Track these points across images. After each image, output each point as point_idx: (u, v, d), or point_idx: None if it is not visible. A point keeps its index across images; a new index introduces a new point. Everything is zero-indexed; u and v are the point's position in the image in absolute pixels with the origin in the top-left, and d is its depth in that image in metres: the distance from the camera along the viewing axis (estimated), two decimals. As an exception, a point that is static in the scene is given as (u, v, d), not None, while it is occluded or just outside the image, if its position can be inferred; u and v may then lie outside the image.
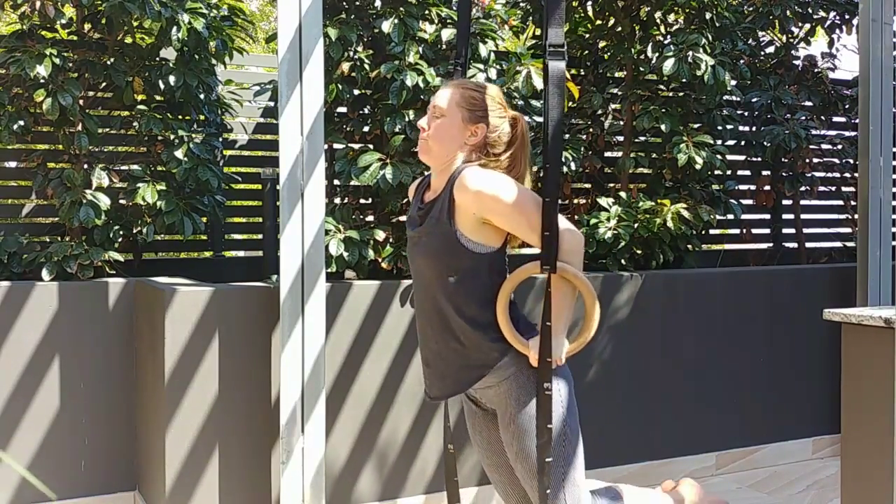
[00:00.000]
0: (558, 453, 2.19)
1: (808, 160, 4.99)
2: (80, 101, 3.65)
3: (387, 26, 3.65)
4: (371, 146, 3.81)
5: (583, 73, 4.71)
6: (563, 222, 2.18)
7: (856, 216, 4.64)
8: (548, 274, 2.12)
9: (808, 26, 5.18)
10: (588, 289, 2.17)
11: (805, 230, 5.26)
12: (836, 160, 5.13)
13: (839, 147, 5.07)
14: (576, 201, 4.64)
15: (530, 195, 2.18)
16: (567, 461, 2.20)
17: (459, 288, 2.19)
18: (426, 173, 2.49)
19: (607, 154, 4.67)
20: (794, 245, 5.24)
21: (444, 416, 2.54)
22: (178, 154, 3.66)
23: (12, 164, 3.97)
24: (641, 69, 4.51)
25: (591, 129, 4.57)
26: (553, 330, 2.14)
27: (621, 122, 4.51)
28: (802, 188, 5.06)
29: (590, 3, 4.68)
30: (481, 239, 2.18)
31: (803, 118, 4.88)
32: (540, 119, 4.61)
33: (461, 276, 2.18)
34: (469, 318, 2.19)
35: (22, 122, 3.56)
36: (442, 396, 2.32)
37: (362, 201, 3.98)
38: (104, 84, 3.80)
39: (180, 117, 3.84)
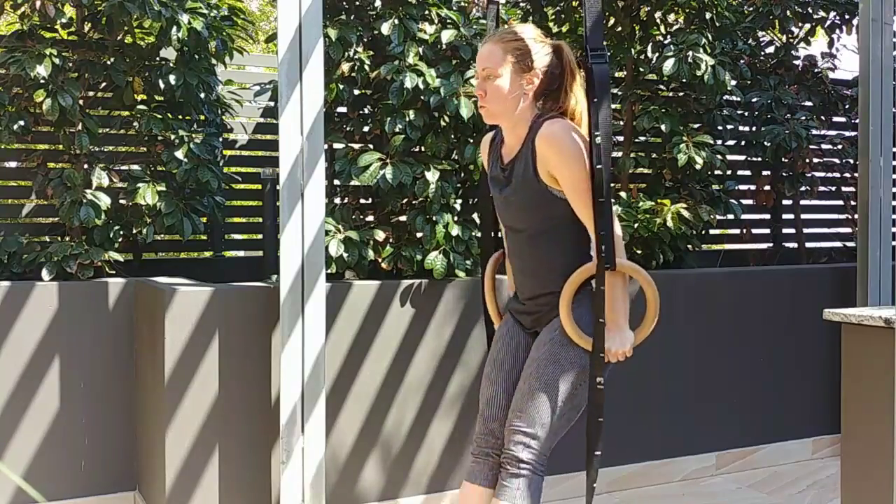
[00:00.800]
0: (565, 408, 2.26)
1: (808, 160, 4.99)
2: (80, 101, 3.65)
3: (386, 28, 3.65)
4: (371, 146, 3.81)
5: (583, 74, 4.70)
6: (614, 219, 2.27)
7: (856, 216, 4.64)
8: (599, 271, 2.16)
9: (808, 26, 5.18)
10: (648, 280, 2.23)
11: (805, 230, 5.26)
12: (836, 160, 5.13)
13: (839, 147, 5.07)
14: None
15: (587, 174, 2.20)
16: (573, 411, 2.28)
17: (556, 236, 2.26)
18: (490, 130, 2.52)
19: (607, 154, 4.67)
20: (794, 245, 5.24)
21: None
22: (179, 154, 3.66)
23: (12, 164, 3.97)
24: (641, 69, 4.51)
25: (591, 129, 4.56)
26: (617, 325, 2.23)
27: (621, 122, 4.51)
28: (802, 188, 5.06)
29: (590, 3, 4.67)
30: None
31: (803, 118, 4.88)
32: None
33: (557, 224, 2.26)
34: (563, 264, 2.27)
35: (22, 122, 3.56)
36: (537, 328, 2.39)
37: (362, 201, 3.98)
38: (104, 84, 3.80)
39: (180, 117, 3.84)
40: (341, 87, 3.68)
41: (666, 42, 4.43)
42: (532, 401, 2.25)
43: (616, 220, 2.25)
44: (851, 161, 5.05)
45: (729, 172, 4.71)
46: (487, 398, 2.44)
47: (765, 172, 5.10)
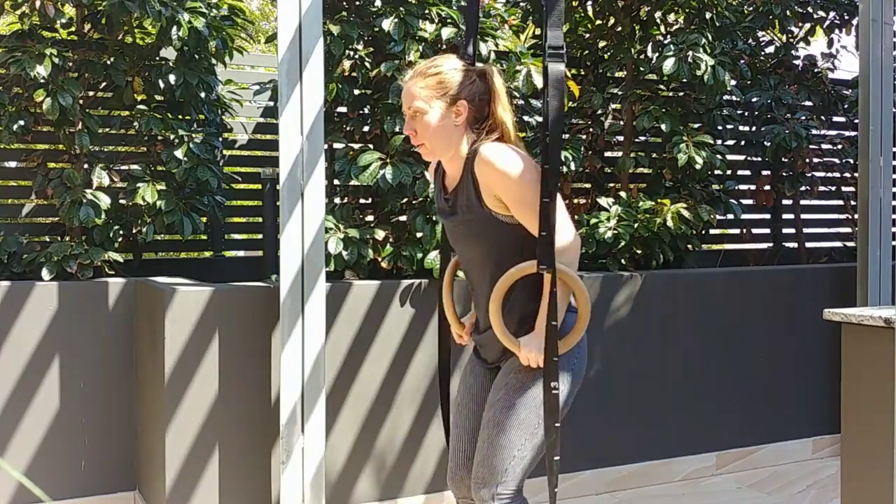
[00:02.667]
0: (526, 449, 2.21)
1: (808, 160, 4.99)
2: (80, 101, 3.64)
3: (387, 25, 3.65)
4: (371, 146, 3.81)
5: (583, 73, 4.71)
6: (563, 221, 2.17)
7: (856, 216, 4.64)
8: (551, 274, 2.12)
9: (807, 26, 5.18)
10: (581, 288, 2.17)
11: (805, 230, 5.26)
12: (836, 160, 5.13)
13: (839, 147, 5.07)
14: (576, 201, 4.64)
15: (534, 187, 2.14)
16: (537, 449, 2.22)
17: (506, 263, 2.20)
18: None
19: (607, 154, 4.67)
20: (794, 245, 5.24)
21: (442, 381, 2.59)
22: (178, 154, 3.66)
23: (12, 164, 3.97)
24: (641, 69, 4.51)
25: (591, 129, 4.57)
26: (542, 328, 2.15)
27: (621, 122, 4.51)
28: (802, 188, 5.05)
29: (590, 3, 4.68)
30: (504, 210, 2.20)
31: (803, 118, 4.88)
32: (541, 118, 4.61)
33: (506, 251, 2.21)
34: (516, 294, 2.22)
35: (22, 122, 3.56)
36: (495, 362, 2.36)
37: (362, 201, 3.98)
38: (104, 84, 3.80)
39: (180, 117, 3.84)
40: (341, 86, 3.68)
41: (666, 42, 4.43)
42: (493, 449, 2.21)
43: (570, 226, 2.19)
44: (851, 161, 5.05)
45: (729, 172, 4.71)
46: (454, 442, 2.42)
47: (765, 172, 5.10)
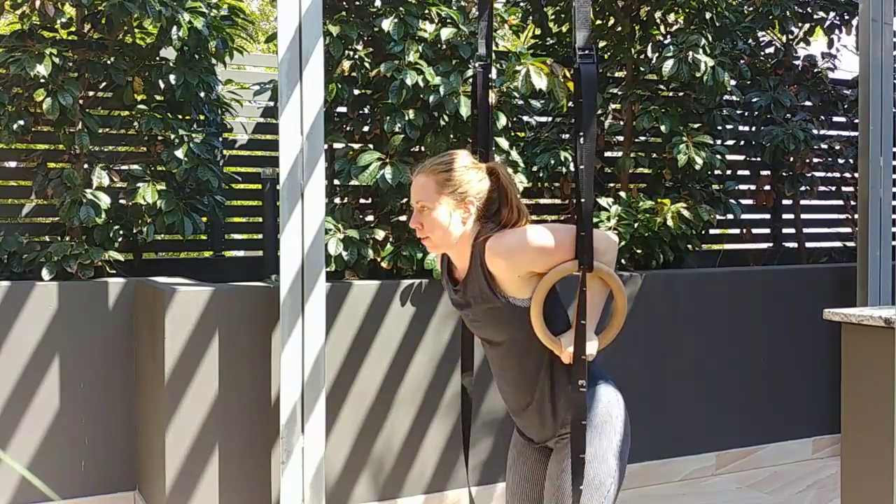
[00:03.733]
0: (600, 486, 2.17)
1: (807, 160, 4.99)
2: (81, 101, 3.64)
3: (387, 25, 3.65)
4: (371, 146, 3.81)
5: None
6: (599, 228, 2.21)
7: (856, 216, 4.64)
8: (583, 272, 2.14)
9: (807, 26, 5.18)
10: (620, 287, 2.21)
11: (805, 230, 5.26)
12: (836, 160, 5.13)
13: (839, 147, 5.07)
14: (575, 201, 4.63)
15: (548, 228, 2.18)
16: (607, 498, 2.19)
17: (533, 343, 2.19)
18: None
19: (607, 154, 4.67)
20: (794, 245, 5.24)
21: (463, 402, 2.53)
22: (179, 154, 3.66)
23: (12, 164, 3.97)
24: (641, 69, 4.51)
25: (591, 129, 4.56)
26: (588, 328, 2.16)
27: (621, 122, 4.51)
28: (802, 188, 5.06)
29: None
30: (531, 291, 2.19)
31: (803, 118, 4.88)
32: (540, 119, 4.61)
33: (531, 332, 2.18)
34: (545, 371, 2.21)
35: (22, 122, 3.56)
36: (543, 441, 2.32)
37: (362, 201, 3.98)
38: (104, 84, 3.80)
39: (180, 117, 3.84)
40: (341, 86, 3.68)
41: (666, 42, 4.43)
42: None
43: (603, 230, 2.22)
44: (851, 161, 5.05)
45: (729, 172, 4.71)
46: None
47: (764, 172, 5.11)
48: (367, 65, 3.75)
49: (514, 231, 2.20)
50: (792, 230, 5.26)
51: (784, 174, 5.07)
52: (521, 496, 2.39)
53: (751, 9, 4.99)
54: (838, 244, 5.37)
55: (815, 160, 5.06)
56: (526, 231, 2.18)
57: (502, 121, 3.81)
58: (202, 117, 4.01)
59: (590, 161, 2.12)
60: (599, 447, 2.17)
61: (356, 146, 3.79)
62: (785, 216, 5.31)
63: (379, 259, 3.67)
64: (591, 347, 2.18)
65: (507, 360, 2.28)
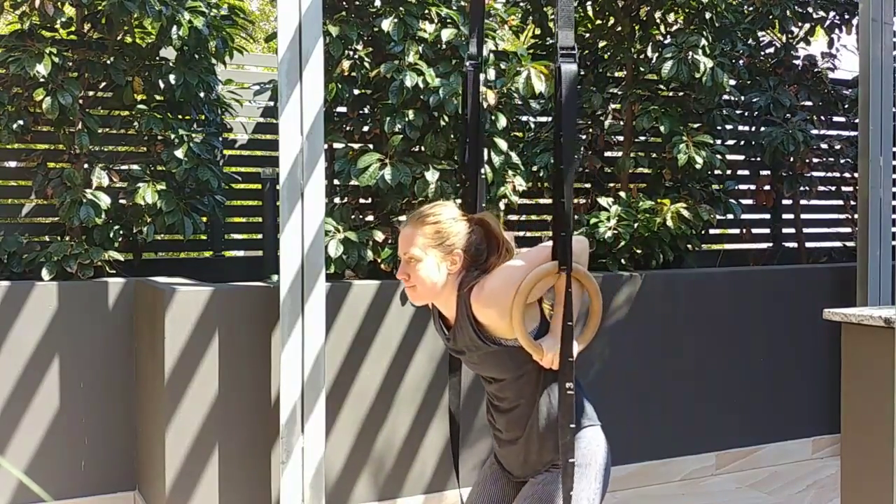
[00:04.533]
0: None
1: (807, 160, 4.99)
2: (80, 101, 3.64)
3: (387, 25, 3.65)
4: (371, 146, 3.81)
5: (583, 73, 4.71)
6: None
7: (856, 216, 4.64)
8: (567, 274, 2.13)
9: (807, 26, 5.18)
10: (596, 290, 2.19)
11: (805, 230, 5.26)
12: (836, 160, 5.13)
13: (838, 147, 5.07)
14: (576, 201, 4.64)
15: (519, 258, 2.18)
16: None
17: (533, 373, 2.19)
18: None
19: (607, 154, 4.67)
20: (794, 245, 5.24)
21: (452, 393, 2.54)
22: (178, 154, 3.66)
23: (12, 164, 3.97)
24: (641, 69, 4.51)
25: (591, 129, 4.57)
26: (558, 330, 2.14)
27: (621, 122, 4.51)
28: (802, 188, 5.06)
29: (590, 3, 4.68)
30: (524, 327, 2.18)
31: (803, 118, 4.88)
32: (541, 119, 4.61)
33: (528, 370, 2.19)
34: (550, 408, 2.20)
35: (22, 122, 3.56)
36: (520, 477, 2.31)
37: (362, 201, 3.98)
38: (104, 83, 3.80)
39: (180, 117, 3.84)
40: (341, 86, 3.68)
41: (666, 42, 4.43)
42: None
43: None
44: (851, 161, 5.05)
45: (729, 172, 4.71)
46: None
47: (764, 172, 5.10)
48: (366, 65, 3.75)
49: (492, 276, 2.17)
50: (792, 230, 5.26)
51: (784, 174, 5.06)
52: None
53: (751, 9, 4.98)
54: (838, 244, 5.37)
55: (815, 160, 5.06)
56: (503, 271, 2.16)
57: (502, 122, 3.81)
58: (202, 117, 4.01)
59: (569, 161, 2.10)
60: (577, 488, 2.15)
61: (356, 146, 3.78)
62: (785, 216, 5.31)
63: (379, 260, 3.66)
64: (574, 350, 2.15)
65: (504, 393, 2.27)
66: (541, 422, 2.21)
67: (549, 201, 4.68)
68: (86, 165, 3.67)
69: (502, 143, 3.83)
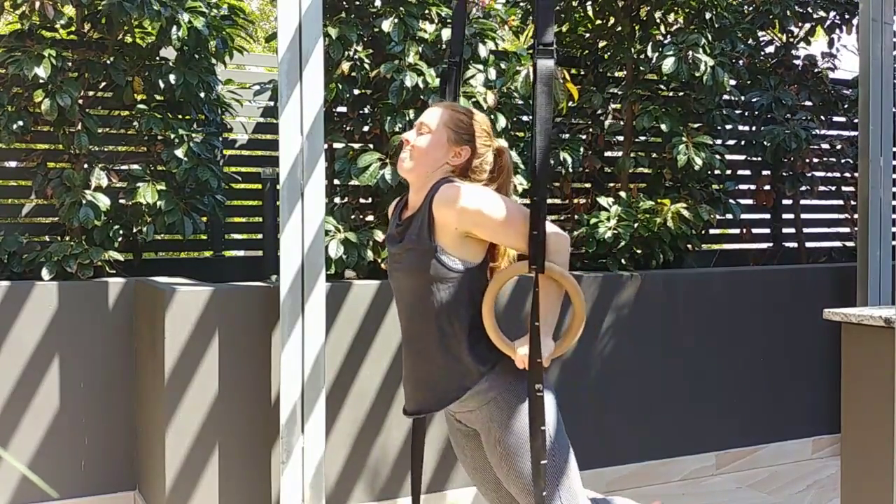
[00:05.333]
0: (550, 465, 2.16)
1: (808, 160, 4.99)
2: (80, 101, 3.64)
3: (387, 25, 3.65)
4: (371, 146, 3.81)
5: (583, 73, 4.71)
6: (549, 225, 2.17)
7: (856, 216, 4.64)
8: (535, 274, 2.11)
9: (808, 26, 5.18)
10: (575, 289, 2.15)
11: (805, 230, 5.26)
12: (836, 160, 5.13)
13: (839, 147, 5.07)
14: (576, 201, 4.64)
15: (514, 204, 2.18)
16: (560, 471, 2.18)
17: (441, 305, 2.16)
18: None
19: (607, 154, 4.67)
20: (794, 245, 5.24)
21: (413, 434, 2.47)
22: (179, 153, 3.66)
23: (12, 164, 3.97)
24: (641, 69, 4.51)
25: (591, 129, 4.57)
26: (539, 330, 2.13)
27: (621, 122, 4.51)
28: (802, 188, 5.06)
29: (590, 3, 4.68)
30: (463, 254, 2.16)
31: (803, 118, 4.88)
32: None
33: (442, 293, 2.16)
34: (450, 335, 2.17)
35: (21, 122, 3.56)
36: (417, 412, 2.29)
37: (362, 201, 3.98)
38: (104, 84, 3.80)
39: (180, 117, 3.84)
40: (341, 86, 3.68)
41: (666, 42, 4.43)
42: (523, 493, 2.18)
43: (555, 227, 2.16)
44: (851, 161, 5.05)
45: (729, 172, 4.71)
46: (487, 500, 2.41)
47: (765, 172, 5.11)
48: (366, 65, 3.75)
49: (472, 186, 2.18)
50: (792, 230, 5.26)
51: (784, 174, 5.07)
52: (481, 485, 2.39)
53: (751, 8, 4.99)
54: (838, 244, 5.37)
55: (815, 160, 5.06)
56: (484, 192, 2.16)
57: (502, 122, 3.81)
58: (202, 117, 4.01)
59: (544, 157, 2.10)
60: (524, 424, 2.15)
61: (356, 146, 3.79)
62: (785, 216, 5.31)
63: (379, 260, 3.67)
64: (546, 351, 2.13)
65: (413, 325, 2.24)
66: (441, 350, 2.17)
67: (550, 201, 4.67)
68: (86, 166, 3.67)
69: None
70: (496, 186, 2.28)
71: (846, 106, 5.23)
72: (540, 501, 2.12)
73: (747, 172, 5.13)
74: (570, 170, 4.21)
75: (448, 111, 2.26)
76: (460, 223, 2.12)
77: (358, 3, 3.89)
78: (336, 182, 3.87)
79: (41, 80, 3.46)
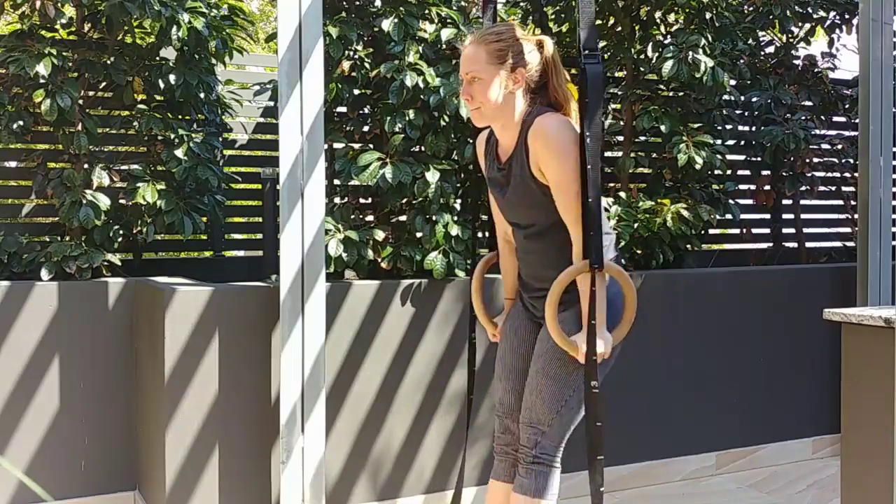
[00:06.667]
0: (573, 401, 2.31)
1: (807, 160, 4.99)
2: (80, 101, 3.64)
3: (387, 25, 3.65)
4: (371, 146, 3.81)
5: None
6: (604, 221, 2.29)
7: (856, 216, 4.64)
8: (592, 272, 2.14)
9: (808, 26, 5.18)
10: (630, 283, 2.25)
11: (805, 230, 5.26)
12: (836, 160, 5.13)
13: (839, 147, 5.07)
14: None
15: (578, 173, 2.19)
16: (578, 408, 2.32)
17: (558, 233, 2.25)
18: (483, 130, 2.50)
19: (607, 154, 4.67)
20: (794, 245, 5.24)
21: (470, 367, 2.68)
22: (178, 153, 3.66)
23: (12, 164, 3.97)
24: (641, 69, 4.51)
25: (591, 129, 4.56)
26: (598, 327, 2.21)
27: (621, 122, 4.51)
28: (802, 188, 5.05)
29: (590, 2, 4.67)
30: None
31: (803, 118, 4.88)
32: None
33: (559, 221, 2.24)
34: (566, 260, 2.25)
35: (21, 122, 3.56)
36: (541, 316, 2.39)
37: (362, 201, 3.98)
38: (104, 84, 3.80)
39: (180, 117, 3.84)
40: (341, 86, 3.68)
41: (666, 42, 4.43)
42: (540, 396, 2.29)
43: (608, 222, 2.27)
44: (851, 161, 5.05)
45: (729, 172, 4.71)
46: (500, 397, 2.50)
47: (764, 172, 5.10)
48: (367, 65, 3.75)
49: (570, 130, 2.20)
50: (792, 230, 5.26)
51: (784, 174, 5.07)
52: (508, 365, 2.48)
53: (751, 9, 4.98)
54: (838, 244, 5.37)
55: (815, 160, 5.06)
56: (573, 140, 2.17)
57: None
58: (202, 117, 4.01)
59: (595, 160, 2.12)
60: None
61: (356, 146, 3.79)
62: (785, 216, 5.30)
63: (379, 259, 3.67)
64: (601, 346, 2.22)
65: (531, 243, 2.34)
66: (565, 265, 2.23)
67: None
68: (86, 166, 3.67)
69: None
70: (554, 80, 2.31)
71: (846, 106, 5.23)
72: (596, 494, 2.20)
73: (747, 172, 5.13)
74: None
75: (484, 46, 2.25)
76: (541, 157, 2.18)
77: (358, 3, 3.89)
78: (336, 182, 3.87)
79: (42, 80, 3.46)
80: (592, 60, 2.13)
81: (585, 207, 2.14)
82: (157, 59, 3.86)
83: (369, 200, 3.96)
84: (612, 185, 4.59)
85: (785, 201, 5.24)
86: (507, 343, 2.50)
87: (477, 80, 2.23)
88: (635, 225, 4.07)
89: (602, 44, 4.68)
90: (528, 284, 2.44)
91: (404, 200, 3.75)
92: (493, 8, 2.58)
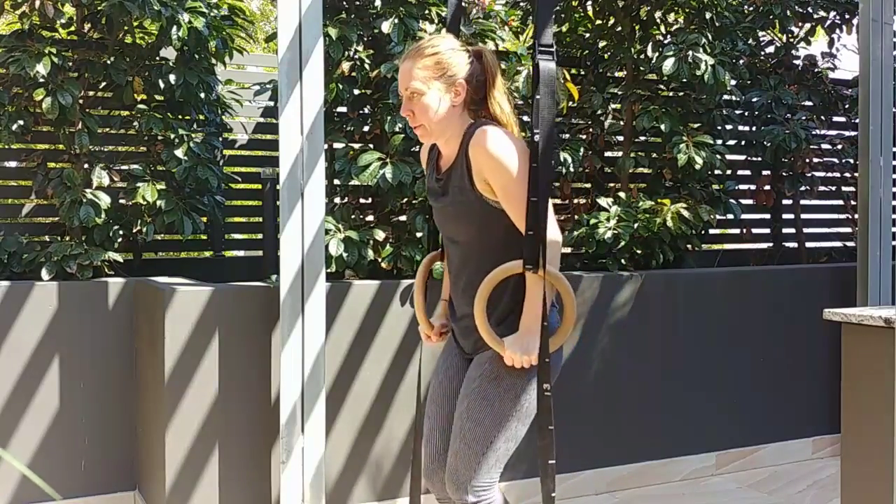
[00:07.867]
0: (502, 451, 2.20)
1: (808, 160, 4.99)
2: (80, 101, 3.64)
3: (387, 26, 3.65)
4: (371, 145, 3.81)
5: (583, 73, 4.71)
6: (550, 220, 2.15)
7: (856, 216, 4.64)
8: (529, 273, 2.10)
9: (808, 26, 5.18)
10: (568, 290, 2.14)
11: (805, 230, 5.26)
12: (836, 160, 5.13)
13: (839, 147, 5.07)
14: (575, 201, 4.64)
15: (521, 170, 2.14)
16: (502, 459, 2.22)
17: (490, 253, 2.18)
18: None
19: (607, 154, 4.67)
20: (794, 245, 5.24)
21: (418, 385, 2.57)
22: (179, 153, 3.66)
23: (12, 164, 3.97)
24: (641, 69, 4.51)
25: (591, 129, 4.57)
26: (528, 330, 2.12)
27: (621, 122, 4.50)
28: (802, 188, 5.06)
29: (590, 2, 4.68)
30: (489, 195, 2.18)
31: (803, 118, 4.88)
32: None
33: (492, 239, 2.19)
34: (498, 291, 2.19)
35: (22, 122, 3.56)
36: (471, 353, 2.33)
37: (362, 201, 3.98)
38: (104, 83, 3.80)
39: (180, 117, 3.84)
40: (341, 86, 3.68)
41: (666, 42, 4.43)
42: (466, 441, 2.19)
43: (554, 225, 2.15)
44: (851, 161, 5.05)
45: (729, 172, 4.71)
46: (427, 433, 2.40)
47: (765, 172, 5.10)
48: (366, 65, 3.75)
49: (509, 139, 2.16)
50: (792, 230, 5.26)
51: (784, 174, 5.07)
52: (437, 401, 2.39)
53: (751, 8, 4.98)
54: (838, 244, 5.37)
55: (816, 160, 5.06)
56: (517, 151, 2.14)
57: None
58: (202, 117, 4.01)
59: (546, 159, 2.08)
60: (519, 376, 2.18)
61: (356, 146, 3.79)
62: (785, 216, 5.31)
63: (379, 259, 3.67)
64: (530, 350, 2.13)
65: (465, 261, 2.26)
66: (495, 293, 2.18)
67: (555, 200, 4.67)
68: (86, 165, 3.67)
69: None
70: (493, 90, 2.25)
71: (846, 106, 5.23)
72: (548, 499, 2.12)
73: (747, 172, 5.13)
74: (570, 170, 4.21)
75: (420, 60, 2.20)
76: (484, 167, 2.13)
77: (358, 3, 3.90)
78: (336, 182, 3.87)
79: (42, 79, 3.46)
80: (546, 56, 2.10)
81: (527, 206, 2.07)
82: (157, 59, 3.86)
83: (369, 200, 3.96)
84: (612, 185, 4.59)
85: (785, 201, 5.24)
86: (436, 377, 2.43)
87: (416, 95, 2.19)
88: (635, 225, 4.07)
89: (602, 44, 4.68)
90: (456, 310, 2.34)
91: (404, 200, 3.75)
92: (458, 20, 2.54)
